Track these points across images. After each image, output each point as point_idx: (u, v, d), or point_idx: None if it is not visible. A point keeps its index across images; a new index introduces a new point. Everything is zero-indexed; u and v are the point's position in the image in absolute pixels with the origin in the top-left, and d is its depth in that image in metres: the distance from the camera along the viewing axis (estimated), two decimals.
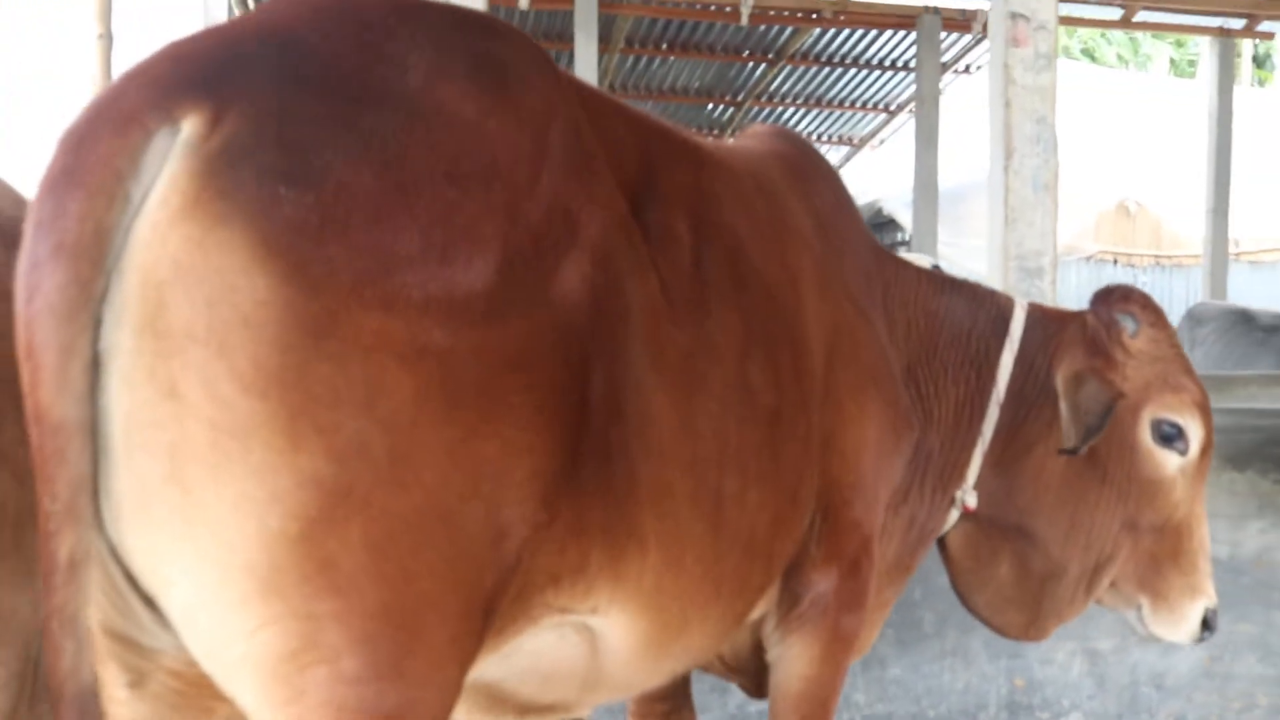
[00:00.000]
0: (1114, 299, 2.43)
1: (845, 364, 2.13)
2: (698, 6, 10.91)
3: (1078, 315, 2.48)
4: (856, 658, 2.41)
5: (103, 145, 1.23)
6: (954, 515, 2.44)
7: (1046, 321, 2.49)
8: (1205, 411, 2.42)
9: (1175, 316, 8.88)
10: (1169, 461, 2.38)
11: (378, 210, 1.27)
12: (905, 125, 14.20)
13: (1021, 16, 3.67)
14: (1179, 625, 2.42)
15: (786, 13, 11.04)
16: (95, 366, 1.22)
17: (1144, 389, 2.36)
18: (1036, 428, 2.39)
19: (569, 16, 9.89)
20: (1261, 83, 24.81)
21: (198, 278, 1.21)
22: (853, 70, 12.97)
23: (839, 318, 2.16)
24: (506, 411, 1.36)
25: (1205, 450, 2.41)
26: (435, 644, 1.32)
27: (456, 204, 1.33)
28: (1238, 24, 11.03)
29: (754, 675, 2.29)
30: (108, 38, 6.12)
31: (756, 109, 14.11)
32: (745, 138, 2.45)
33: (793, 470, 1.97)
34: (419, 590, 1.30)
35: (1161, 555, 2.41)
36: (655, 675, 1.93)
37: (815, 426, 2.04)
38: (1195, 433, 2.39)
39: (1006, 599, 2.47)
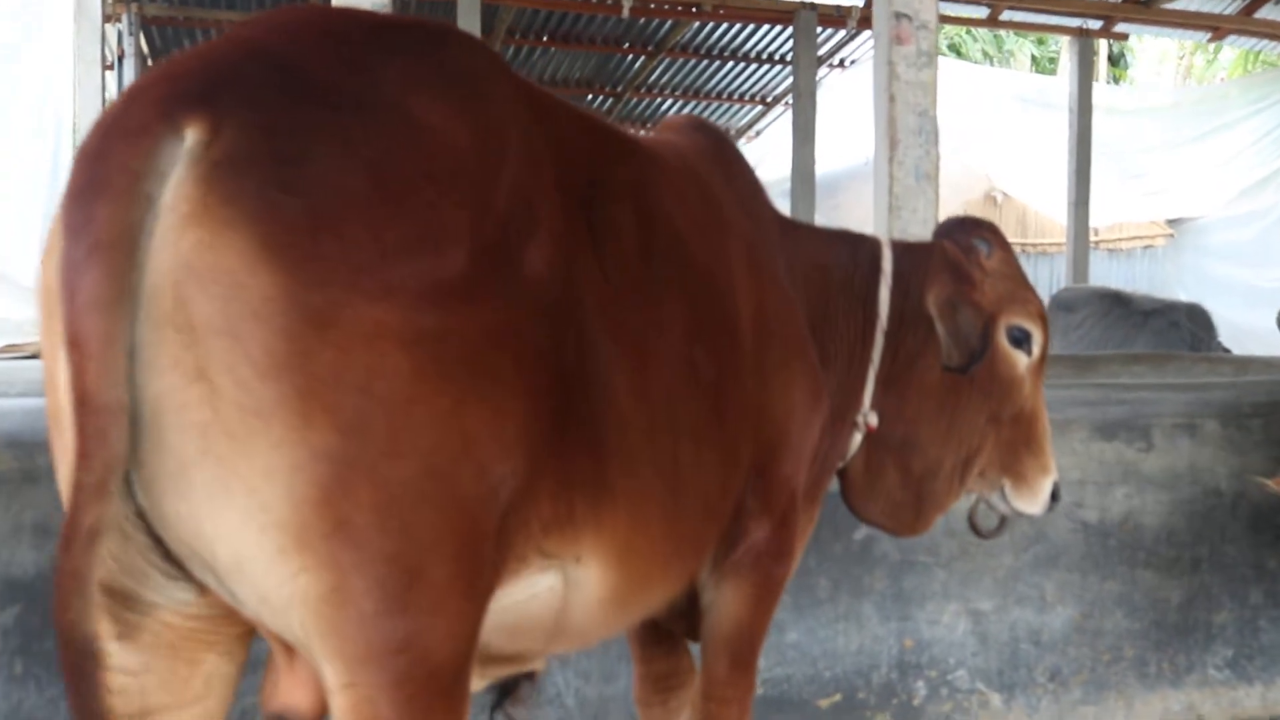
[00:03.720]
0: (969, 227, 2.77)
1: (771, 339, 2.33)
2: None
3: (936, 244, 2.78)
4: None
5: (118, 154, 1.37)
6: (857, 438, 2.69)
7: (911, 252, 2.79)
8: (1044, 319, 2.78)
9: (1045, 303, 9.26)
10: (1021, 361, 2.72)
11: (366, 210, 1.42)
12: (781, 117, 14.51)
13: (904, 16, 3.87)
14: (1036, 498, 2.78)
15: (667, 5, 11.20)
16: (133, 355, 1.36)
17: (998, 301, 2.70)
18: (915, 345, 2.69)
19: (451, 6, 9.89)
20: (1116, 80, 25.87)
21: (211, 277, 1.36)
22: (731, 63, 13.21)
23: (764, 296, 2.35)
24: (492, 382, 1.53)
25: (1044, 351, 2.78)
26: (436, 583, 1.50)
27: (436, 200, 1.49)
28: (1096, 24, 11.56)
29: (690, 619, 2.48)
30: None
31: (635, 100, 14.28)
32: (666, 130, 2.63)
33: (734, 438, 2.16)
34: (419, 539, 1.48)
35: (1017, 442, 2.75)
36: (614, 627, 2.10)
37: (750, 397, 2.24)
38: (1038, 336, 2.74)
39: (896, 503, 2.75)
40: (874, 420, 2.67)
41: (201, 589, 1.55)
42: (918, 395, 2.68)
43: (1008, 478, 2.77)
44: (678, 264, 2.07)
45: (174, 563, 1.52)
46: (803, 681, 3.70)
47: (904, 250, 2.80)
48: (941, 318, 2.62)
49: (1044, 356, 2.77)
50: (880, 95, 3.96)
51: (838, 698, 3.73)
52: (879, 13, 4.01)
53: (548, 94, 1.96)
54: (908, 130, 3.91)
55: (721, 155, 2.55)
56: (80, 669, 1.41)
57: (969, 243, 2.72)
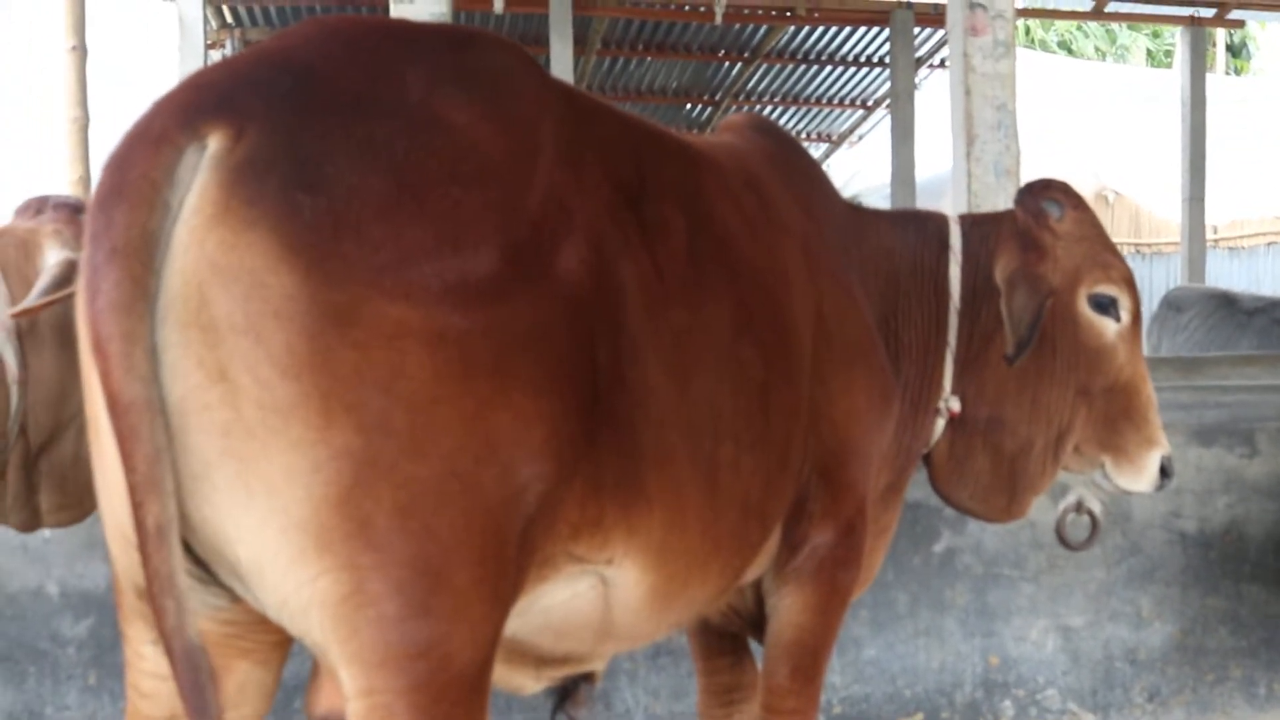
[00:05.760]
0: (1037, 190, 2.61)
1: (830, 342, 2.28)
2: (672, 7, 10.94)
3: (1008, 213, 2.65)
4: (863, 589, 2.58)
5: (140, 162, 1.40)
6: (940, 425, 2.58)
7: (981, 224, 2.67)
8: (1131, 283, 2.62)
9: (1155, 304, 8.93)
10: (1108, 329, 2.57)
11: (388, 211, 1.44)
12: (882, 121, 14.25)
13: (979, 5, 3.72)
14: (1140, 475, 2.60)
15: (760, 11, 11.07)
16: (155, 355, 1.39)
17: (1076, 268, 2.54)
18: (991, 321, 2.56)
19: (544, 20, 9.91)
20: (1238, 71, 24.94)
21: (233, 276, 1.38)
22: (828, 67, 12.99)
23: (823, 299, 2.30)
24: (519, 384, 1.52)
25: (1136, 317, 2.61)
26: (458, 586, 1.48)
27: (460, 201, 1.50)
28: (1208, 13, 11.10)
29: (762, 627, 2.42)
30: (81, 49, 6.15)
31: (735, 108, 14.13)
32: (724, 131, 2.59)
33: (782, 439, 2.11)
34: (441, 542, 1.46)
35: (1115, 415, 2.59)
36: (661, 626, 2.07)
37: (804, 398, 2.19)
38: (1126, 302, 2.58)
39: (987, 487, 2.62)
40: (956, 406, 2.56)
41: (234, 595, 1.56)
42: (998, 373, 2.56)
43: (1107, 454, 2.61)
44: (726, 265, 2.03)
45: (204, 567, 1.52)
46: (882, 700, 3.57)
47: (973, 224, 2.67)
48: (1003, 298, 2.49)
49: (1137, 321, 2.61)
50: (956, 89, 3.81)
51: (919, 717, 3.59)
52: (953, 4, 3.86)
53: (588, 96, 1.97)
54: (985, 125, 3.74)
55: (779, 154, 2.49)
56: (194, 677, 1.43)
57: (1038, 207, 2.57)
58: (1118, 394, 2.58)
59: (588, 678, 2.18)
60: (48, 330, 2.37)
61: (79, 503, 2.52)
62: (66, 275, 2.31)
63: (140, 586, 1.50)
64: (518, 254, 1.53)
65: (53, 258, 2.36)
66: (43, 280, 2.32)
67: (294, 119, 1.44)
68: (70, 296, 2.29)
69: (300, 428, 1.39)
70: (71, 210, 2.48)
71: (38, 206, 2.49)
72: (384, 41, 1.61)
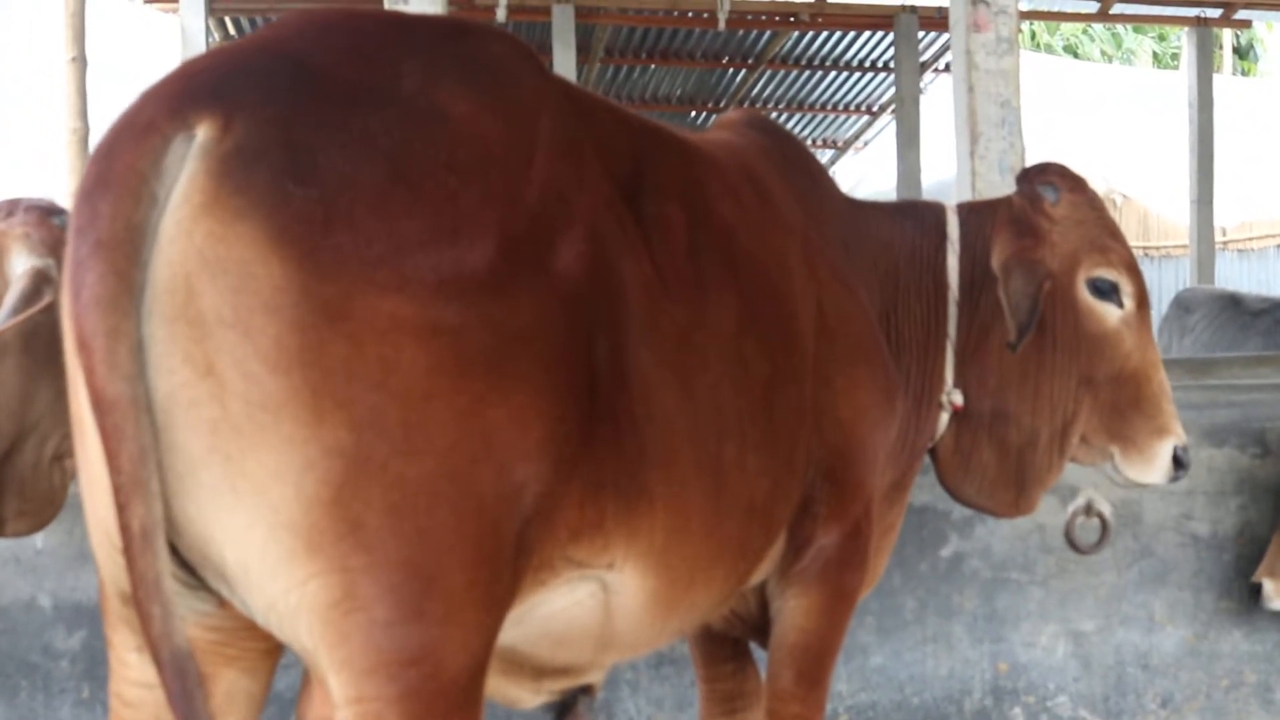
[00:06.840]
0: (1033, 174, 2.54)
1: (833, 339, 2.24)
2: (675, 14, 10.91)
3: (1005, 199, 2.58)
4: (868, 589, 2.51)
5: (127, 153, 1.36)
6: (944, 419, 2.52)
7: (979, 212, 2.61)
8: (1133, 266, 2.53)
9: (1165, 306, 8.89)
10: (1110, 315, 2.49)
11: (382, 201, 1.39)
12: (887, 126, 14.22)
13: (982, 1, 3.67)
14: (1151, 465, 2.51)
15: (764, 16, 11.05)
16: (140, 351, 1.34)
17: (1073, 253, 2.47)
18: (989, 311, 2.50)
19: (547, 28, 9.91)
20: (1245, 73, 24.87)
21: (222, 268, 1.34)
22: (833, 73, 12.98)
23: (824, 295, 2.26)
24: (515, 380, 1.47)
25: (1141, 302, 2.52)
26: (452, 589, 1.44)
27: (457, 191, 1.45)
28: (1214, 13, 11.05)
29: (766, 632, 2.36)
30: (81, 61, 6.14)
31: None
32: (721, 128, 2.55)
33: (788, 439, 2.07)
34: (434, 544, 1.42)
35: (1123, 404, 2.50)
36: (663, 634, 2.02)
37: (809, 397, 2.15)
38: (1128, 286, 2.50)
39: (993, 481, 2.56)
40: (959, 399, 2.50)
41: (221, 600, 1.52)
42: (999, 364, 2.50)
43: (1115, 444, 2.53)
44: (726, 261, 2.00)
45: (190, 571, 1.48)
46: (889, 708, 3.51)
47: (970, 211, 2.62)
48: (1000, 285, 2.42)
49: (1142, 307, 2.52)
50: (959, 86, 3.77)
51: None
52: (955, 1, 3.81)
53: (587, 92, 1.94)
54: (989, 122, 3.70)
55: (776, 149, 2.46)
56: (182, 683, 1.40)
57: (1033, 191, 2.51)
58: (1125, 382, 2.50)
59: (586, 690, 2.13)
60: (11, 337, 2.35)
61: (38, 511, 2.50)
62: (36, 287, 2.28)
63: (125, 592, 1.46)
64: (515, 247, 1.50)
65: (20, 264, 2.33)
66: (10, 296, 2.29)
67: (285, 108, 1.40)
68: (41, 309, 2.26)
69: (290, 424, 1.34)
70: (43, 213, 2.44)
71: (9, 209, 2.45)
72: (379, 31, 1.58)
